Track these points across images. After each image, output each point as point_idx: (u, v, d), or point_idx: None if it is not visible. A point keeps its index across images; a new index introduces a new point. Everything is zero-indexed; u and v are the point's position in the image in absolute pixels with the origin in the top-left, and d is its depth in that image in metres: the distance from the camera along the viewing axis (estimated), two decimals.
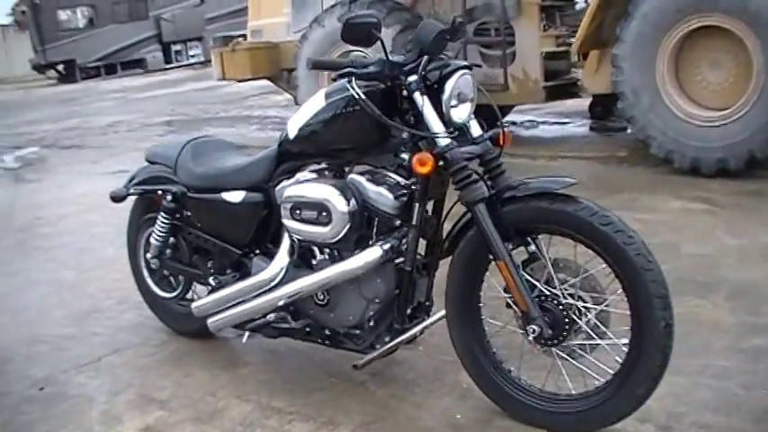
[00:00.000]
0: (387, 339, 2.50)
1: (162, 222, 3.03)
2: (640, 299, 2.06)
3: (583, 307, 2.18)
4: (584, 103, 7.61)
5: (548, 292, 2.20)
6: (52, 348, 3.31)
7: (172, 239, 3.07)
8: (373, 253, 2.38)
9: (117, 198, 3.09)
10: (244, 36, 8.38)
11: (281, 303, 2.63)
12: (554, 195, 2.16)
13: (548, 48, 6.40)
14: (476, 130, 2.38)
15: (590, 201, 2.17)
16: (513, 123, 8.19)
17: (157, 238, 3.06)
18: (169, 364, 3.04)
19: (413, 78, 2.24)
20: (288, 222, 2.54)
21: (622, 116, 5.66)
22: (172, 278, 3.18)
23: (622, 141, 6.66)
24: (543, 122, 8.37)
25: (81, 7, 22.92)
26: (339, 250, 2.49)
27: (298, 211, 2.50)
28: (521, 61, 6.41)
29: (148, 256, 3.14)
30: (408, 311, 2.54)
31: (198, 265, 3.00)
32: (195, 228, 2.98)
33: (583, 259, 2.22)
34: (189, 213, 2.98)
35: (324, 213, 2.42)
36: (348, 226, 2.40)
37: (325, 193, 2.42)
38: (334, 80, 2.48)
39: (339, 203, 2.39)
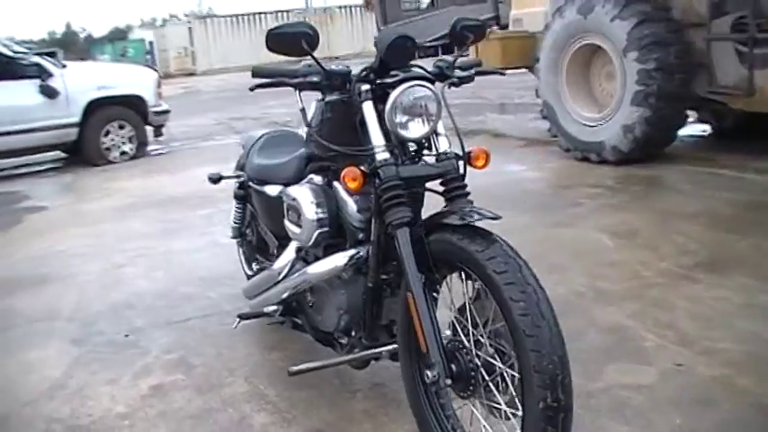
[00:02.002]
0: (355, 351, 2.46)
1: (235, 206, 3.29)
2: (522, 369, 1.76)
3: (497, 363, 1.92)
4: None
5: (464, 339, 1.98)
6: (168, 304, 3.80)
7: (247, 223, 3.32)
8: (337, 260, 2.36)
9: (212, 180, 3.41)
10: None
11: (283, 296, 2.72)
12: (467, 229, 1.92)
13: None
14: (442, 147, 2.19)
15: (503, 240, 1.89)
16: None
17: (233, 219, 3.34)
18: (229, 335, 3.30)
19: (361, 88, 2.14)
20: (284, 220, 2.61)
21: None
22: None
23: None
24: None
25: None
26: (314, 254, 2.51)
27: (289, 212, 2.55)
28: None
29: (229, 235, 3.43)
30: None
31: (248, 248, 3.21)
32: (256, 214, 3.19)
33: None
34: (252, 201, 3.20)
35: (300, 217, 2.44)
36: (318, 232, 2.39)
37: (301, 196, 2.44)
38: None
39: (308, 209, 2.39)
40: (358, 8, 30.27)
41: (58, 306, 3.91)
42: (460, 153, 2.20)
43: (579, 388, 2.53)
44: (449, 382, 1.95)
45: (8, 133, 7.87)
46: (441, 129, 2.20)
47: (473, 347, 1.95)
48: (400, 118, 2.11)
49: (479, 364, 1.94)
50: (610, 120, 6.17)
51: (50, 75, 8.18)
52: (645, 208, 4.83)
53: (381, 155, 2.11)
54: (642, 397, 2.52)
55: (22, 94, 8.03)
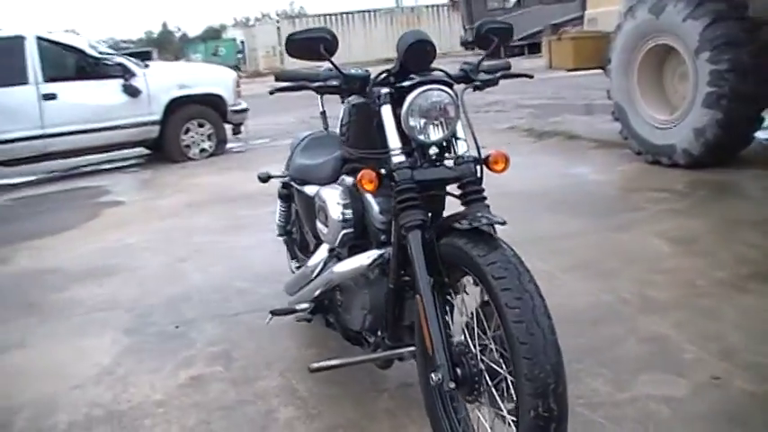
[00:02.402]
0: (379, 351, 2.51)
1: (279, 205, 3.39)
2: (516, 376, 1.76)
3: (500, 369, 1.92)
4: None
5: (470, 343, 1.99)
6: (221, 298, 3.94)
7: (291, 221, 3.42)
8: (361, 260, 2.41)
9: (261, 179, 3.51)
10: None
11: (315, 295, 2.79)
12: (474, 233, 1.92)
13: None
14: (460, 150, 2.20)
15: (507, 246, 1.89)
16: None
17: (278, 218, 3.44)
18: (272, 330, 3.37)
19: (380, 92, 2.18)
20: (316, 220, 2.67)
21: None
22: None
23: None
24: None
25: None
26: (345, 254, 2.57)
27: (320, 212, 2.62)
28: None
29: (276, 233, 3.53)
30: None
31: (292, 246, 3.30)
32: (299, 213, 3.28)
33: None
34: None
35: (327, 217, 2.51)
36: (343, 232, 2.45)
37: (328, 198, 2.50)
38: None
39: (334, 210, 2.45)
40: (445, 8, 30.30)
41: (119, 297, 4.12)
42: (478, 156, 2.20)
43: (607, 397, 2.54)
44: (452, 385, 1.96)
45: (94, 130, 8.32)
46: (460, 132, 2.21)
47: (478, 352, 1.96)
48: (417, 121, 2.13)
49: (483, 368, 1.94)
50: (681, 122, 5.98)
51: (133, 74, 8.59)
52: (709, 214, 4.67)
53: (397, 158, 2.14)
54: (670, 410, 2.46)
55: (107, 93, 8.47)
